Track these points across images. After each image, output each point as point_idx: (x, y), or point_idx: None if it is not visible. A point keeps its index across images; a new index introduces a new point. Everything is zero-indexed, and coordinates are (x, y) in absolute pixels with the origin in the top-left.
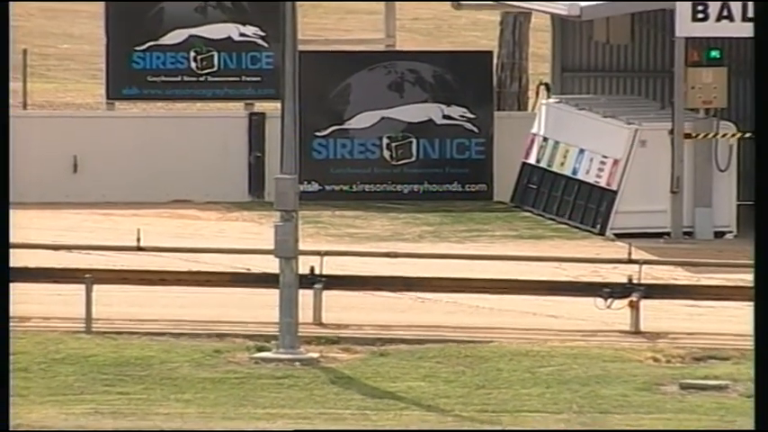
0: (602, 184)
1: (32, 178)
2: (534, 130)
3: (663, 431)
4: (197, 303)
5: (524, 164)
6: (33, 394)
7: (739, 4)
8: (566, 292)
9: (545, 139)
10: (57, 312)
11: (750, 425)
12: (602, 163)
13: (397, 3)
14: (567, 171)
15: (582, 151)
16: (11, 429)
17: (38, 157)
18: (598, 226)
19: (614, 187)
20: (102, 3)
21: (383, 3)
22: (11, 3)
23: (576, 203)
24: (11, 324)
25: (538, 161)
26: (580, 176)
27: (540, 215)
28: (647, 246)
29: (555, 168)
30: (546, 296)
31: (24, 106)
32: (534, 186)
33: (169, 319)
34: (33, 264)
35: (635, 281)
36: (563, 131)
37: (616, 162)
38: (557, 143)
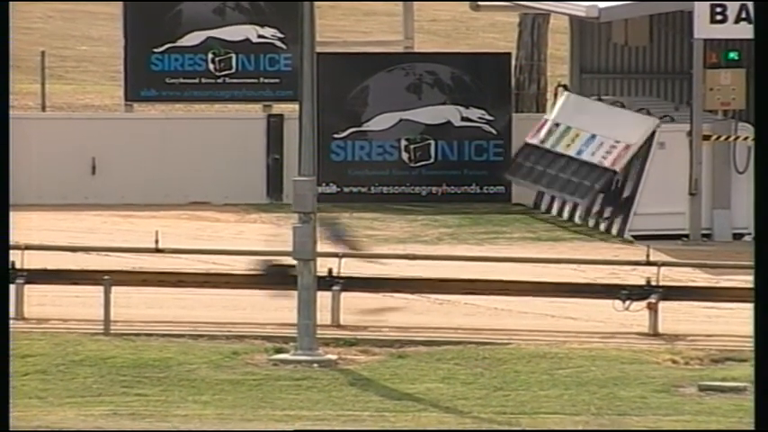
0: (606, 164)
1: (51, 180)
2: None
3: None
4: (215, 305)
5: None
6: (52, 396)
7: None
8: (584, 294)
9: (556, 125)
10: (75, 314)
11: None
12: (613, 147)
13: (415, 4)
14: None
15: (593, 136)
16: (11, 429)
17: (56, 158)
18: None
19: (617, 168)
20: (121, 5)
21: (401, 4)
22: (18, 3)
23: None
24: (29, 326)
25: (542, 142)
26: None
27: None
28: (665, 248)
29: (560, 149)
30: (564, 298)
31: (43, 108)
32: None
33: (187, 320)
34: (52, 265)
35: (653, 283)
36: (578, 118)
37: (627, 147)
38: (568, 128)
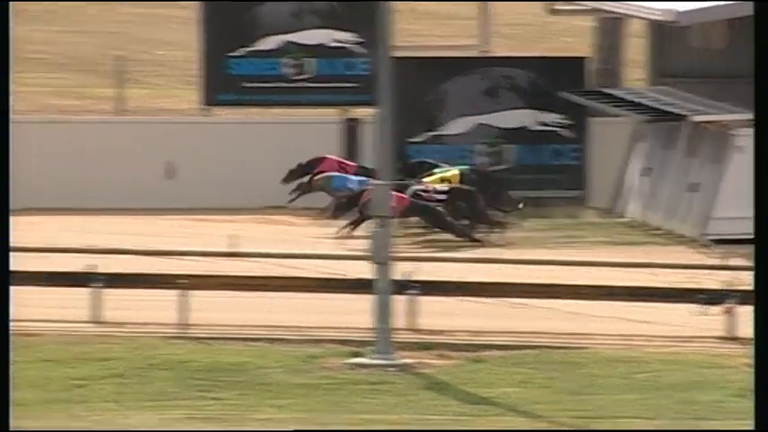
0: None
1: (127, 184)
2: None
3: None
4: (291, 309)
5: None
6: (129, 400)
7: None
8: (661, 298)
9: None
10: (152, 318)
11: None
12: None
13: (492, 8)
14: None
15: None
16: (11, 430)
17: (133, 163)
18: None
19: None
20: (198, 9)
21: (478, 8)
22: (98, 7)
23: None
24: (106, 329)
25: None
26: None
27: None
28: (743, 252)
29: None
30: (641, 302)
31: (120, 112)
32: None
33: (263, 324)
34: (129, 269)
35: (731, 287)
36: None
37: None
38: None
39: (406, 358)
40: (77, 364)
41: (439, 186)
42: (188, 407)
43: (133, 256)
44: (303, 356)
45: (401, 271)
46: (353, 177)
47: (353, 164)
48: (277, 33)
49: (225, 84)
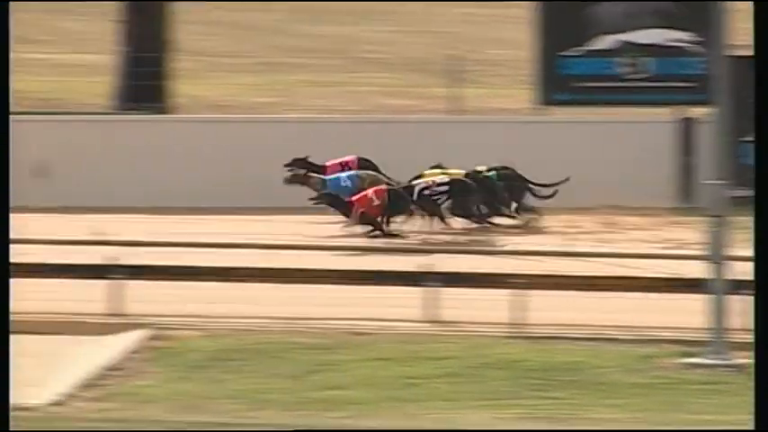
0: None
1: None
2: None
3: None
4: (624, 308)
5: None
6: (464, 398)
7: None
8: None
9: None
10: (485, 317)
11: None
12: None
13: None
14: None
15: None
16: (11, 429)
17: (465, 162)
18: None
19: None
20: (532, 9)
21: None
22: (433, 7)
23: None
24: (442, 329)
25: None
26: None
27: None
28: None
29: None
30: None
31: (453, 112)
32: None
33: (596, 324)
34: (464, 268)
35: None
36: None
37: None
38: None
39: (743, 359)
40: (411, 363)
41: (439, 179)
42: (523, 406)
43: (466, 256)
44: (637, 356)
45: (737, 271)
46: (344, 174)
47: (354, 158)
48: (611, 33)
49: (560, 83)
